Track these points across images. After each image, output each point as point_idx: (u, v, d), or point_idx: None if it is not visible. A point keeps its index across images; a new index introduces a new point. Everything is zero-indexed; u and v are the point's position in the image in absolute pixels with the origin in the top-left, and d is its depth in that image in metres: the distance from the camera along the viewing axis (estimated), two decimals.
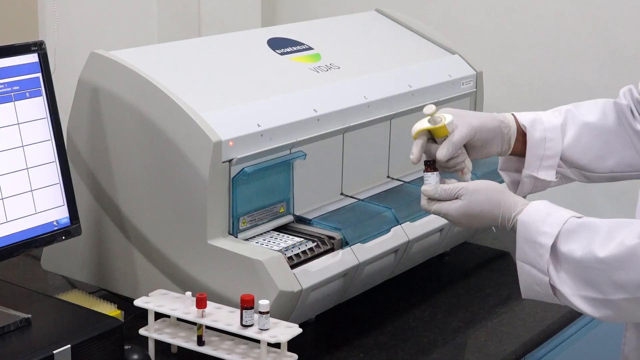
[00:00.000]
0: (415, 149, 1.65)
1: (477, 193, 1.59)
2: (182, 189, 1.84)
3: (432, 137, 1.68)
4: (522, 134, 1.77)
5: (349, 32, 2.41)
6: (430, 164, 1.66)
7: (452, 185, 1.61)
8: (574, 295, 1.49)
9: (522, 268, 1.53)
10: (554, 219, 1.51)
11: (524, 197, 1.70)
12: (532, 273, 1.52)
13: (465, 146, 1.70)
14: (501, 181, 1.81)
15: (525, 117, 1.77)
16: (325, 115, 2.01)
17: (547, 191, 2.24)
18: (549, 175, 1.76)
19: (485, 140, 1.71)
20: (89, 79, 1.93)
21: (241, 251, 1.81)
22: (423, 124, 1.65)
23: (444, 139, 1.66)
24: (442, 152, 1.64)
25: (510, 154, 1.78)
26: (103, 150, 1.94)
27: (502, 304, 2.13)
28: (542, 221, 1.51)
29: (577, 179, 1.81)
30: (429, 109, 1.63)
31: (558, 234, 1.49)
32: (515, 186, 1.81)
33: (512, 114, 1.77)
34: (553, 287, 1.51)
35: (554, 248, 1.50)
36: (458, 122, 1.67)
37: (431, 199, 1.63)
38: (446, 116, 1.66)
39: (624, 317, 1.51)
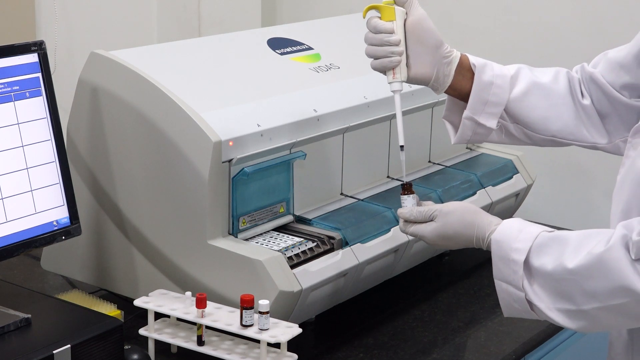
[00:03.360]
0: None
1: (450, 215, 1.61)
2: (182, 189, 1.84)
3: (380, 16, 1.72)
4: (471, 72, 1.75)
5: (349, 32, 2.40)
6: (407, 187, 1.68)
7: (427, 208, 1.64)
8: (550, 309, 1.49)
9: (499, 286, 1.54)
10: (525, 234, 1.52)
11: (465, 143, 1.76)
12: (509, 290, 1.53)
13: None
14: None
15: (477, 59, 1.76)
16: (325, 115, 2.01)
17: (546, 189, 2.25)
18: (490, 122, 1.74)
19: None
20: (89, 79, 1.93)
21: (241, 251, 1.81)
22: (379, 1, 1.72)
23: (391, 23, 1.70)
24: (384, 26, 1.69)
25: (457, 97, 1.77)
26: (103, 150, 1.94)
27: None
28: (514, 238, 1.52)
29: (518, 137, 1.79)
30: None
31: (530, 249, 1.50)
32: (456, 132, 1.80)
33: (466, 55, 1.77)
34: (530, 303, 1.52)
35: (526, 263, 1.50)
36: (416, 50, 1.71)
37: (407, 221, 1.65)
38: (400, 8, 1.72)
39: (600, 326, 1.51)
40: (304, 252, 1.87)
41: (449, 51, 1.74)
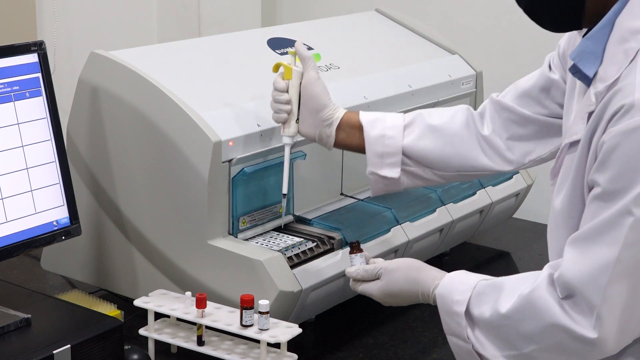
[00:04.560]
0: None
1: (395, 272, 1.62)
2: (182, 189, 1.84)
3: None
4: (362, 129, 1.84)
5: (349, 32, 2.41)
6: (355, 246, 1.70)
7: (373, 266, 1.65)
8: (496, 357, 1.48)
9: (451, 341, 1.53)
10: (464, 285, 1.51)
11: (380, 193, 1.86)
12: (459, 344, 1.51)
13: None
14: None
15: (367, 116, 1.84)
16: None
17: (546, 189, 2.22)
18: (392, 173, 1.82)
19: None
20: (89, 79, 1.93)
21: (241, 251, 1.81)
22: (286, 60, 1.85)
23: (286, 82, 1.84)
24: (279, 84, 1.83)
25: (358, 152, 1.85)
26: (103, 150, 1.94)
27: None
28: (455, 290, 1.52)
29: (430, 178, 1.85)
30: (293, 49, 1.84)
31: (469, 299, 1.49)
32: None
33: (359, 112, 1.84)
34: (479, 354, 1.50)
35: (468, 314, 1.50)
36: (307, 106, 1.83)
37: (355, 279, 1.66)
38: (297, 69, 1.83)
39: None
40: (304, 252, 1.87)
41: (329, 115, 1.83)
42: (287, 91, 1.83)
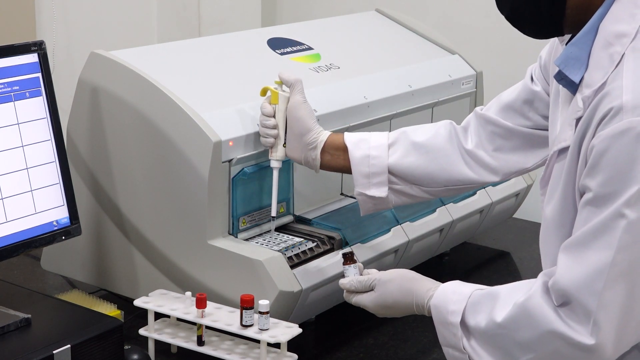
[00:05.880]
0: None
1: (389, 283, 1.61)
2: (182, 189, 1.84)
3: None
4: (347, 150, 1.85)
5: (349, 32, 2.41)
6: (349, 257, 1.70)
7: (367, 277, 1.65)
8: None
9: (446, 353, 1.53)
10: (459, 296, 1.51)
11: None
12: (455, 355, 1.51)
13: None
14: None
15: (351, 138, 1.85)
16: (325, 115, 2.01)
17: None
18: (379, 192, 1.82)
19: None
20: (89, 79, 1.93)
21: (241, 251, 1.81)
22: (272, 85, 1.89)
23: (273, 107, 1.86)
24: (266, 109, 1.86)
25: (346, 172, 1.86)
26: (103, 150, 1.94)
27: None
28: (450, 300, 1.51)
29: (419, 195, 1.85)
30: (279, 77, 1.88)
31: (464, 310, 1.49)
32: None
33: (344, 134, 1.86)
34: None
35: (463, 324, 1.49)
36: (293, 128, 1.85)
37: (349, 291, 1.66)
38: (283, 93, 1.86)
39: None
40: (304, 252, 1.87)
41: (313, 139, 1.85)
42: (274, 116, 1.85)
